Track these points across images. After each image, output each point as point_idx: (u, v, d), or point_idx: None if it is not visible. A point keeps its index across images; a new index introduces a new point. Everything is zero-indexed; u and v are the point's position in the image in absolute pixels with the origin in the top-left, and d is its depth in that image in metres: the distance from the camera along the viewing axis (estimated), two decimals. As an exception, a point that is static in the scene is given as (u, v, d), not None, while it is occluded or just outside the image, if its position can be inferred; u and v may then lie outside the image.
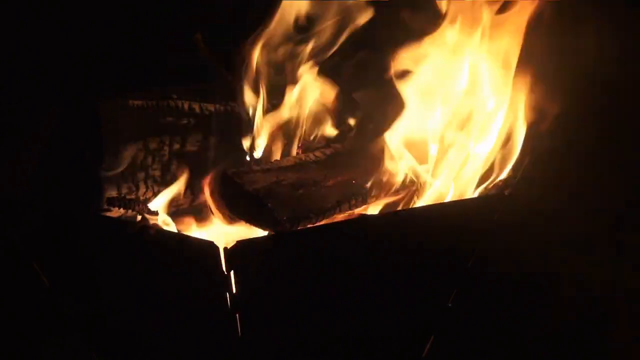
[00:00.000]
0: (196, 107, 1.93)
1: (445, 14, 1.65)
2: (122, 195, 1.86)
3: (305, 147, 1.79)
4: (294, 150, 1.80)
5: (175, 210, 1.89)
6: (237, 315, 1.42)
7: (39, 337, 1.81)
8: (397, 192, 1.65)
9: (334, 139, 1.81)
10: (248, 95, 1.79)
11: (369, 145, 1.67)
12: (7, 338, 1.82)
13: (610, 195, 1.96)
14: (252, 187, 1.52)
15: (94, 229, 1.53)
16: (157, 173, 1.92)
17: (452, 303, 1.64)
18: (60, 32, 1.94)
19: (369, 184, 1.61)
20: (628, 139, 1.97)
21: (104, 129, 1.85)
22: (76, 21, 1.96)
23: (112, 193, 1.85)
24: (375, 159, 1.64)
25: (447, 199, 1.65)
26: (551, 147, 1.70)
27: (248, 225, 1.56)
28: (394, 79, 1.66)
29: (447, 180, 1.66)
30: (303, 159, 1.67)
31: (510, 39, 1.63)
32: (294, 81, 1.78)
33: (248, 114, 1.80)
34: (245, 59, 1.77)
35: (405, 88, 1.66)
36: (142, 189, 1.91)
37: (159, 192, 1.82)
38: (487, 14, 1.63)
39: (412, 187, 1.66)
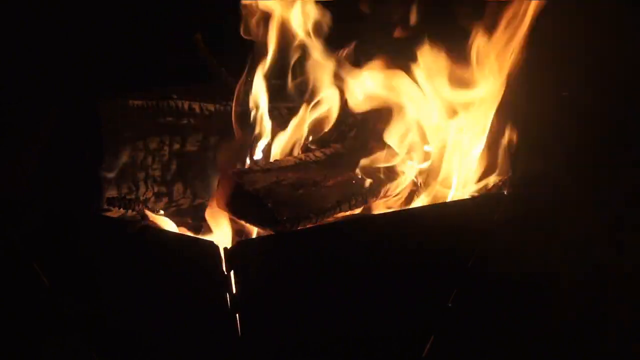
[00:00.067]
0: (196, 107, 1.93)
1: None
2: (122, 195, 1.86)
3: (306, 147, 1.79)
4: (295, 151, 1.80)
5: (176, 210, 1.89)
6: (237, 315, 1.41)
7: (39, 337, 1.81)
8: (397, 192, 1.65)
9: (334, 139, 1.81)
10: (249, 95, 1.79)
11: (368, 146, 1.67)
12: (7, 338, 1.82)
13: (610, 195, 1.96)
14: (252, 187, 1.52)
15: (94, 229, 1.53)
16: (157, 173, 1.92)
17: (452, 303, 1.64)
18: (60, 32, 1.94)
19: (368, 184, 1.61)
20: (628, 139, 1.97)
21: (104, 129, 1.85)
22: (76, 21, 1.96)
23: (112, 193, 1.85)
24: (375, 158, 1.64)
25: (447, 199, 1.65)
26: (551, 147, 1.70)
27: (248, 225, 1.56)
28: (394, 79, 1.67)
29: (447, 180, 1.66)
30: (303, 159, 1.67)
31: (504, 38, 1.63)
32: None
33: (249, 114, 1.80)
34: (247, 60, 1.77)
35: (405, 88, 1.66)
36: (142, 189, 1.91)
37: (159, 192, 1.82)
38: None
39: (412, 187, 1.66)
